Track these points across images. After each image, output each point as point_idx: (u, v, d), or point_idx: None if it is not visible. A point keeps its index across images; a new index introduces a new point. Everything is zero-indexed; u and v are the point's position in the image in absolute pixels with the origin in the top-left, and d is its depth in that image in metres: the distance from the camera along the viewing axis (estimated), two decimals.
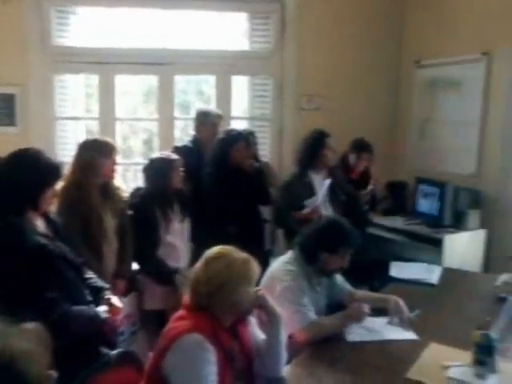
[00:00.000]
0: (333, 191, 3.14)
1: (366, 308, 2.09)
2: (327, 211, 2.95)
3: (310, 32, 4.18)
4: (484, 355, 1.68)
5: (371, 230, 3.88)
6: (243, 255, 1.63)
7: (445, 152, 4.20)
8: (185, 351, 1.44)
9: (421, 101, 4.42)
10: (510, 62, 3.70)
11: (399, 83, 4.57)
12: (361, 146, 3.68)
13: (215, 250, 1.64)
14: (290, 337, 1.88)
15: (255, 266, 1.63)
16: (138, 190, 2.98)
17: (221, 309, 1.56)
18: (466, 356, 1.74)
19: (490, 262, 3.86)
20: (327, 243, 2.16)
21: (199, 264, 1.62)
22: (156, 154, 3.08)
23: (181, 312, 1.60)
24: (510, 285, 2.53)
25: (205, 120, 3.51)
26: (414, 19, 4.41)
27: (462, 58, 4.01)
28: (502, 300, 2.13)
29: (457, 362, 1.76)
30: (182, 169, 2.89)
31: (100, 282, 2.14)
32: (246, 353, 1.62)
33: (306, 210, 2.96)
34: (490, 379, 1.66)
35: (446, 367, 1.74)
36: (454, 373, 1.71)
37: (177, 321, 1.55)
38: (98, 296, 2.03)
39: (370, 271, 3.52)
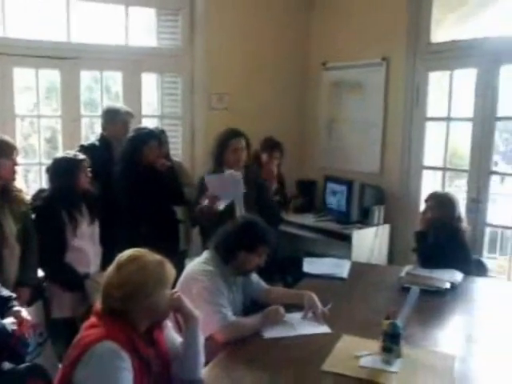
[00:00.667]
0: (247, 190, 3.14)
1: (282, 310, 2.13)
2: (241, 211, 2.95)
3: (220, 30, 4.18)
4: (391, 342, 1.78)
5: (284, 228, 3.96)
6: (157, 257, 1.58)
7: (351, 151, 4.42)
8: (98, 361, 1.37)
9: (328, 102, 4.61)
10: (405, 67, 3.98)
11: (307, 84, 4.72)
12: (272, 145, 3.73)
13: (127, 253, 1.57)
14: (208, 338, 1.86)
15: (170, 268, 1.59)
16: (41, 191, 2.81)
17: (136, 314, 1.50)
18: (376, 345, 1.84)
19: (394, 255, 4.13)
20: (244, 242, 2.17)
21: (111, 268, 1.55)
22: (61, 154, 2.91)
23: (92, 319, 1.52)
24: (412, 275, 2.71)
25: (114, 118, 3.38)
26: (321, 23, 4.58)
27: (365, 62, 4.25)
28: (406, 290, 2.26)
29: (367, 351, 1.84)
30: (89, 169, 2.75)
31: (5, 292, 1.98)
32: (163, 357, 1.57)
33: (204, 202, 2.90)
34: (395, 364, 1.77)
35: (358, 357, 1.82)
36: (364, 362, 1.79)
37: (88, 329, 1.47)
38: (4, 307, 1.88)
39: (284, 268, 3.61)
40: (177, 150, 4.16)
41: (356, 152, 4.38)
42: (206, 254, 2.25)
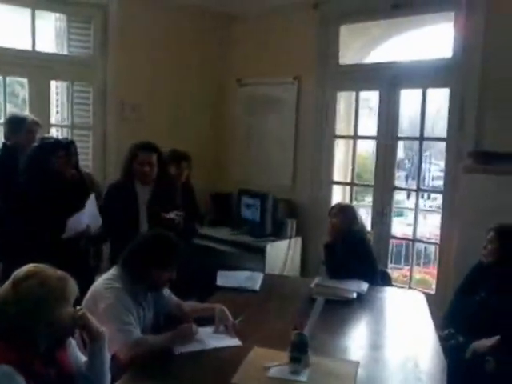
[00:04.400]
0: (153, 206, 3.07)
1: (195, 327, 2.10)
2: (143, 226, 2.90)
3: (133, 41, 4.13)
4: (298, 353, 1.82)
5: (199, 241, 3.94)
6: (58, 272, 1.50)
7: (266, 165, 4.52)
8: None
9: (244, 116, 4.69)
10: (315, 86, 4.17)
11: (223, 99, 4.77)
12: (179, 156, 3.68)
13: (25, 268, 1.48)
14: (114, 356, 1.79)
15: (72, 284, 1.52)
16: None
17: (34, 332, 1.41)
18: (286, 355, 1.87)
19: (307, 267, 4.25)
20: (155, 259, 2.11)
21: (6, 284, 1.44)
22: None
23: None
24: (321, 286, 2.80)
25: (19, 127, 3.19)
26: (236, 39, 4.67)
27: (278, 80, 4.39)
28: (315, 301, 2.33)
29: (276, 362, 1.87)
30: None
31: None
32: (65, 377, 1.49)
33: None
34: (303, 374, 1.81)
35: (267, 368, 1.84)
36: (273, 372, 1.81)
37: None
38: None
39: (198, 282, 3.58)
40: (87, 160, 4.00)
41: (270, 166, 4.49)
42: (113, 271, 2.17)
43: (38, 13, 3.79)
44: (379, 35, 4.34)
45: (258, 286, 2.88)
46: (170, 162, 3.71)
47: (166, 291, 2.36)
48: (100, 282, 2.13)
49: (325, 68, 4.16)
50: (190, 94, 4.47)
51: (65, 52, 3.99)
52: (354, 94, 4.20)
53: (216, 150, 4.79)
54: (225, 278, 2.96)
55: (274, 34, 4.39)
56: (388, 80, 3.88)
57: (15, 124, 3.22)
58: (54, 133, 3.88)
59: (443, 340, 2.45)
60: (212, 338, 2.13)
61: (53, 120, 3.99)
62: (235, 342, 2.11)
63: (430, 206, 7.27)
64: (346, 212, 3.19)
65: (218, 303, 2.34)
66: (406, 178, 10.93)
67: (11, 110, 3.80)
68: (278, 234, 4.05)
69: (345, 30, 4.14)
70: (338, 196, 4.29)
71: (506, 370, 2.12)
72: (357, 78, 4.07)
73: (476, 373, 2.20)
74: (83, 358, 1.61)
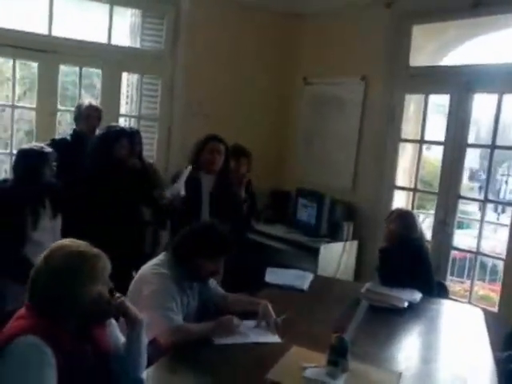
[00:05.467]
0: (216, 195, 3.14)
1: (237, 320, 2.11)
2: (205, 214, 2.95)
3: (204, 38, 4.21)
4: (337, 356, 1.77)
5: (254, 237, 3.96)
6: (94, 249, 1.49)
7: (326, 165, 4.45)
8: (17, 355, 1.32)
9: (308, 115, 4.65)
10: (382, 88, 4.04)
11: (288, 97, 4.76)
12: (239, 151, 3.71)
13: (61, 241, 1.51)
14: (154, 340, 1.84)
15: (106, 262, 1.50)
16: (3, 182, 2.75)
17: (62, 304, 1.41)
18: (323, 358, 1.83)
19: (361, 271, 4.14)
20: (203, 249, 2.14)
21: (41, 257, 1.47)
22: (25, 146, 2.86)
23: (21, 310, 1.45)
24: (371, 292, 2.72)
25: (78, 113, 3.40)
26: (305, 39, 4.64)
27: (345, 80, 4.30)
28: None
29: (313, 363, 1.84)
30: (55, 163, 2.72)
31: None
32: (102, 355, 1.54)
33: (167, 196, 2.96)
34: (340, 378, 1.76)
35: (304, 368, 1.82)
36: (308, 373, 1.79)
37: (15, 320, 1.41)
38: None
39: (251, 277, 3.59)
40: (152, 151, 4.14)
41: (331, 167, 4.42)
42: (161, 256, 2.23)
43: (115, 8, 3.97)
44: (456, 37, 4.12)
45: (306, 286, 2.84)
46: (230, 156, 3.77)
47: (213, 282, 2.39)
48: (148, 265, 2.19)
49: (393, 69, 4.02)
50: (255, 92, 4.51)
51: (137, 46, 4.14)
52: (423, 97, 4.03)
53: (279, 148, 4.79)
54: (274, 275, 2.96)
55: (342, 33, 4.32)
56: (461, 84, 3.68)
57: (76, 111, 3.46)
58: (122, 122, 4.05)
59: (502, 363, 2.30)
60: (253, 333, 2.13)
61: (122, 110, 4.16)
62: (275, 338, 2.10)
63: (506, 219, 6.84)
64: (405, 218, 3.08)
65: (264, 299, 2.34)
66: (480, 189, 10.37)
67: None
68: (334, 235, 3.98)
69: (418, 31, 3.98)
70: (399, 202, 4.14)
71: None
72: (427, 81, 3.90)
73: None
74: (123, 339, 1.66)
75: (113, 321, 1.66)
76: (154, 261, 2.22)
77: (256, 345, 2.04)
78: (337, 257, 3.95)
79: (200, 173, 3.11)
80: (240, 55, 4.41)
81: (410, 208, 3.98)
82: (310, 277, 3.02)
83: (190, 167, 2.99)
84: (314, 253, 3.80)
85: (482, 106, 3.83)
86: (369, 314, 2.21)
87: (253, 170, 3.78)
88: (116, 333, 1.67)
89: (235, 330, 2.08)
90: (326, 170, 4.42)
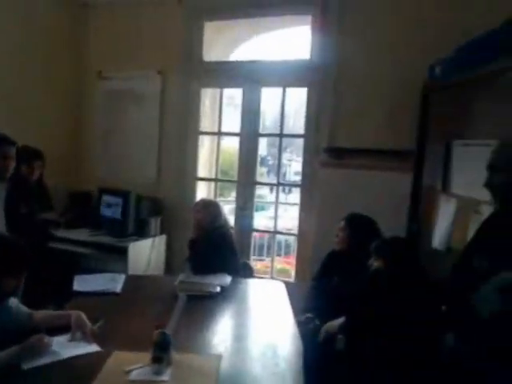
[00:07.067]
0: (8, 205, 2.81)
1: (47, 338, 1.94)
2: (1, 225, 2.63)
3: None
4: (160, 352, 1.78)
5: (56, 245, 3.67)
6: None
7: (129, 162, 4.36)
8: None
9: (105, 111, 4.47)
10: (179, 82, 4.13)
11: (82, 93, 4.50)
12: (30, 154, 3.37)
13: None
14: None
15: None
16: None
17: None
18: (148, 357, 1.81)
19: (172, 265, 4.20)
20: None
21: None
22: None
23: None
24: (184, 283, 2.78)
25: None
26: (96, 31, 4.44)
27: (141, 74, 4.26)
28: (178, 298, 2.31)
29: (138, 364, 1.81)
30: None
31: None
32: None
33: None
34: (166, 373, 1.77)
35: (128, 371, 1.77)
36: (134, 375, 1.75)
37: None
38: None
39: (56, 289, 3.32)
40: None
41: (134, 162, 4.34)
42: None
43: None
44: (242, 34, 4.44)
45: (119, 288, 2.76)
46: (20, 159, 3.40)
47: (13, 301, 2.14)
48: None
49: (189, 64, 4.14)
50: (45, 90, 4.13)
51: None
52: (218, 90, 4.25)
53: (75, 147, 4.50)
54: (83, 283, 2.79)
55: (137, 27, 4.25)
56: (250, 78, 3.99)
57: None
58: None
59: (302, 325, 2.59)
60: (68, 348, 1.98)
61: None
62: (94, 348, 1.99)
63: (293, 199, 7.65)
64: (210, 208, 3.22)
65: (76, 310, 2.20)
66: (268, 173, 11.42)
67: None
68: (142, 232, 3.94)
69: (210, 27, 4.16)
70: (202, 192, 4.31)
71: (354, 347, 2.31)
72: (221, 76, 4.12)
73: (329, 352, 2.37)
74: None
75: None
76: None
77: (73, 359, 1.90)
78: (146, 254, 3.92)
79: None
80: (25, 52, 3.96)
81: (212, 197, 4.18)
82: (121, 278, 2.93)
83: None
84: (123, 253, 3.71)
85: (267, 98, 4.19)
86: (187, 304, 2.27)
87: (47, 173, 3.49)
88: None
89: (45, 349, 1.91)
90: (129, 166, 4.34)
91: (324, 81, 3.70)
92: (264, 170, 12.54)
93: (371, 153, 3.53)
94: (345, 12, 3.59)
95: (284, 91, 3.97)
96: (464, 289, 1.76)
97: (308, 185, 3.89)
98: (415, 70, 3.22)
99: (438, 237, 2.91)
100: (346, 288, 2.66)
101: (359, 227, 2.89)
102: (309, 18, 3.80)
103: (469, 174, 2.54)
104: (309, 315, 2.79)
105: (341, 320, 2.43)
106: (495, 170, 1.80)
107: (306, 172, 3.92)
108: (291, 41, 4.65)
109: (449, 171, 2.95)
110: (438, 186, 3.11)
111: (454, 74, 2.75)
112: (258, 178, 4.24)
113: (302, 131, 3.96)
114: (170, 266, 4.18)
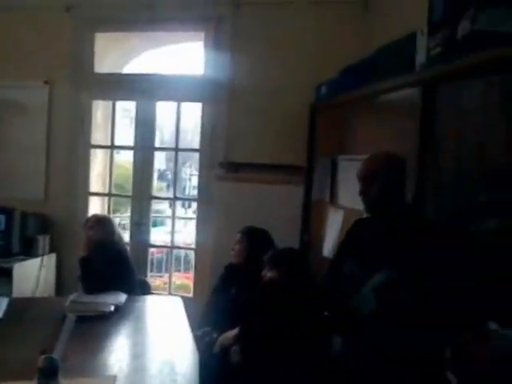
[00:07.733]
0: None
1: None
2: None
3: None
4: (46, 379, 1.68)
5: None
6: None
7: (13, 177, 4.07)
8: None
9: None
10: (69, 93, 3.96)
11: None
12: None
13: None
14: None
15: None
16: None
17: None
18: None
19: (63, 285, 3.97)
20: None
21: None
22: None
23: None
24: (75, 303, 2.65)
25: None
26: None
27: (27, 84, 4.02)
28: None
29: None
30: None
31: None
32: None
33: None
34: None
35: None
36: None
37: None
38: None
39: None
40: None
41: (18, 178, 4.06)
42: None
43: None
44: (136, 47, 4.37)
45: (0, 314, 2.55)
46: None
47: None
48: None
49: (79, 75, 3.98)
50: None
51: None
52: (111, 103, 4.13)
53: None
54: None
55: (20, 34, 4.00)
56: (144, 91, 3.94)
57: None
58: None
59: (199, 339, 2.59)
60: None
61: None
62: None
63: (193, 213, 7.65)
64: (102, 223, 3.11)
65: None
66: (168, 187, 11.30)
67: None
68: (29, 251, 3.69)
69: (101, 38, 4.04)
70: (96, 208, 4.14)
71: (250, 357, 2.35)
72: (113, 88, 4.02)
73: (225, 364, 2.38)
74: None
75: None
76: None
77: None
78: (34, 274, 3.67)
79: None
80: None
81: (106, 213, 4.04)
82: (4, 302, 2.71)
83: None
84: (7, 274, 3.44)
85: (165, 112, 4.18)
86: (77, 325, 2.17)
87: None
88: None
89: None
90: (13, 182, 4.03)
91: (217, 96, 3.77)
92: (163, 184, 12.44)
93: (265, 167, 3.65)
94: (237, 30, 3.71)
95: (179, 106, 3.98)
96: (340, 293, 1.92)
97: (205, 199, 3.91)
98: (305, 88, 3.42)
99: (328, 246, 3.09)
100: (242, 299, 2.71)
101: (254, 239, 2.97)
102: (202, 35, 3.86)
103: (352, 186, 2.74)
104: (206, 329, 2.79)
105: (235, 331, 2.46)
106: (360, 179, 2.06)
107: (203, 186, 3.95)
108: (186, 56, 4.70)
109: (335, 184, 3.16)
110: (326, 198, 3.31)
111: (337, 95, 2.97)
112: (157, 193, 4.20)
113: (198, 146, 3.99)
114: (61, 287, 3.94)
